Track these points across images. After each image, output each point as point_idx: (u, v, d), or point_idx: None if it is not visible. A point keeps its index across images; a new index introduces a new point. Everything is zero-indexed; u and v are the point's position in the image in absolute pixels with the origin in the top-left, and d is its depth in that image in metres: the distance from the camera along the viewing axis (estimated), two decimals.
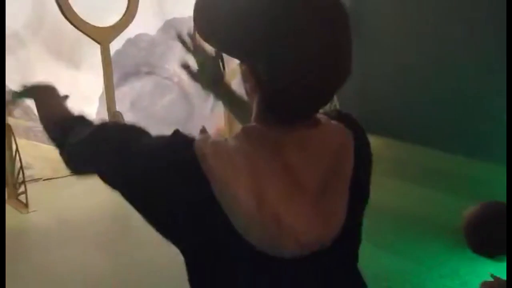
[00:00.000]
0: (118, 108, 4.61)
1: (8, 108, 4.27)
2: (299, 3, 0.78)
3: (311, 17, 0.78)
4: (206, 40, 0.88)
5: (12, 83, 4.75)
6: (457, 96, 4.32)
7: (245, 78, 0.84)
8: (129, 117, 4.82)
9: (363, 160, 0.90)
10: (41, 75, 4.94)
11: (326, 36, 0.78)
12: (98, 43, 4.46)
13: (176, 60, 5.79)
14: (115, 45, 4.92)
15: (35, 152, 4.69)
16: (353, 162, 0.86)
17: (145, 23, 5.36)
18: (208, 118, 5.66)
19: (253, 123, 0.85)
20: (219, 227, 0.78)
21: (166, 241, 0.86)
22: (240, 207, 0.78)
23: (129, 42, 5.41)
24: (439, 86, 4.45)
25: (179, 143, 0.84)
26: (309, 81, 0.79)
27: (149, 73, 5.62)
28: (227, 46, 0.85)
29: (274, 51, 0.77)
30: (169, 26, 5.76)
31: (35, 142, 4.83)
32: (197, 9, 0.87)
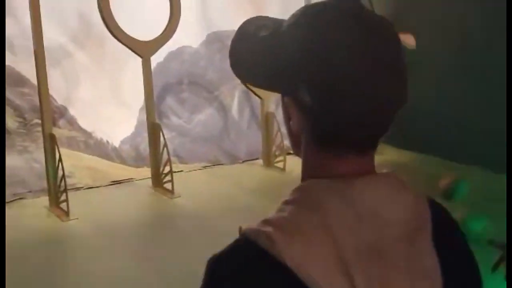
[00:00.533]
0: (157, 120, 4.69)
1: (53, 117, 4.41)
2: (350, 23, 0.75)
3: (364, 37, 0.74)
4: (245, 81, 0.86)
5: (57, 93, 4.91)
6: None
7: (288, 114, 0.79)
8: (167, 131, 4.88)
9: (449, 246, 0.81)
10: (84, 86, 5.08)
11: (380, 57, 0.74)
12: (140, 56, 4.55)
13: (217, 73, 5.85)
14: (157, 58, 5.01)
15: (76, 161, 4.81)
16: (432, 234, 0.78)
17: (188, 36, 5.43)
18: (245, 133, 5.68)
19: (308, 179, 0.79)
20: None
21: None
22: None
23: (171, 55, 5.49)
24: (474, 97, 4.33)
25: (250, 261, 0.74)
26: (365, 104, 0.74)
27: (189, 85, 5.69)
28: (268, 81, 0.82)
29: (323, 75, 0.73)
30: (212, 39, 5.83)
31: (77, 152, 4.95)
32: (233, 53, 0.85)
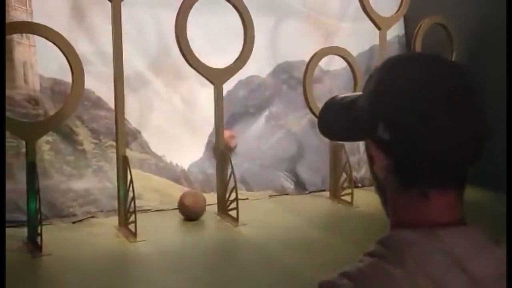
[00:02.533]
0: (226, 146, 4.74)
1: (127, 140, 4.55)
2: (426, 66, 0.79)
3: (439, 78, 0.78)
4: (335, 139, 0.93)
5: (132, 117, 5.09)
6: None
7: (371, 157, 0.82)
8: (234, 157, 4.91)
9: None
10: (158, 111, 5.23)
11: (456, 97, 0.76)
12: (212, 83, 4.64)
13: (284, 103, 5.86)
14: (228, 86, 5.09)
15: (146, 183, 4.92)
16: None
17: (257, 66, 5.50)
18: (311, 164, 5.61)
19: (394, 229, 0.79)
20: None
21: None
22: None
23: (241, 83, 5.58)
24: None
25: None
26: (443, 141, 0.75)
27: (256, 114, 5.73)
28: (351, 130, 0.86)
29: (400, 112, 0.76)
30: (279, 69, 5.87)
31: (147, 174, 5.07)
32: (321, 120, 0.92)
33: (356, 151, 5.66)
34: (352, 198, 4.92)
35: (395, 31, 6.16)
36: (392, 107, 0.76)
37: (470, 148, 0.77)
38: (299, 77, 5.28)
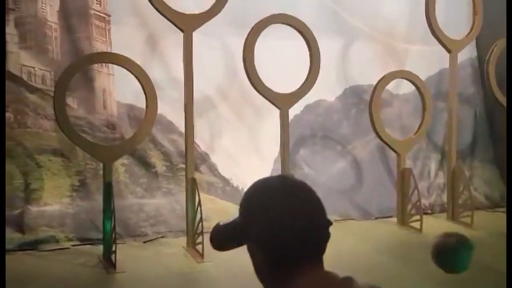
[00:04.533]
0: (291, 170, 4.77)
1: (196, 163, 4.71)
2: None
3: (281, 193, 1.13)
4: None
5: (201, 141, 5.26)
6: None
7: (253, 255, 1.15)
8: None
9: None
10: (226, 135, 5.38)
11: (297, 207, 1.11)
12: (278, 108, 4.72)
13: (352, 127, 5.84)
14: (295, 110, 5.15)
15: (213, 205, 5.06)
16: None
17: (325, 90, 5.53)
18: (378, 189, 5.53)
19: None
20: None
21: None
22: None
23: (308, 108, 5.62)
24: None
25: None
26: (292, 234, 1.07)
27: (323, 138, 5.74)
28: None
29: (266, 226, 1.09)
30: (348, 93, 5.87)
31: (214, 197, 5.21)
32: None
33: (426, 177, 5.52)
34: (421, 224, 4.79)
35: (467, 53, 6.00)
36: (255, 217, 1.08)
37: (318, 233, 1.09)
38: (368, 101, 5.26)
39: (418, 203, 4.91)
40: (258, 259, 1.12)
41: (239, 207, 1.17)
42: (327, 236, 1.12)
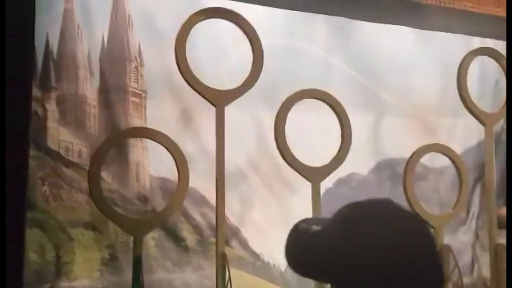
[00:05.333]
0: None
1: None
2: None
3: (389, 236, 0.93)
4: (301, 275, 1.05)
5: (232, 215, 5.23)
6: None
7: None
8: None
9: None
10: (257, 209, 5.34)
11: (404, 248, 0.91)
12: (310, 181, 4.68)
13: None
14: (327, 184, 5.10)
15: (243, 282, 4.93)
16: None
17: (358, 163, 5.49)
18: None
19: None
20: None
21: None
22: None
23: (340, 181, 5.56)
24: None
25: None
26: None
27: None
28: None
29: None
30: (382, 166, 5.80)
31: (244, 273, 5.09)
32: (288, 250, 1.09)
33: (466, 253, 5.28)
34: None
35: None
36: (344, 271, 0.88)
37: None
38: (402, 174, 5.17)
39: (460, 283, 4.65)
40: None
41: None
42: None
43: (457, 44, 5.92)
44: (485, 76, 5.92)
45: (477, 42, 5.95)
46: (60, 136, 4.94)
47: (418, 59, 6.01)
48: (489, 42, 5.87)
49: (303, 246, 1.00)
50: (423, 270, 0.85)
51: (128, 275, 4.35)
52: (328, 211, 5.46)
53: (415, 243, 0.87)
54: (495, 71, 5.76)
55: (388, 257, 0.84)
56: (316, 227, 0.98)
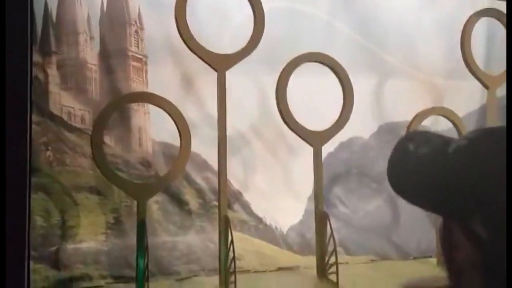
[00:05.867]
0: (325, 209, 4.70)
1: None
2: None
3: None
4: (410, 202, 0.86)
5: (234, 179, 5.27)
6: None
7: (451, 241, 0.75)
8: (333, 220, 4.83)
9: None
10: (259, 173, 5.37)
11: None
12: (311, 145, 4.70)
13: (384, 164, 5.73)
14: (328, 148, 5.11)
15: (246, 245, 5.01)
16: None
17: (360, 127, 5.48)
18: (416, 228, 5.36)
19: None
20: None
21: None
22: None
23: (342, 145, 5.57)
24: None
25: None
26: None
27: (358, 176, 5.66)
28: (435, 204, 0.78)
29: (500, 205, 0.67)
30: (384, 130, 5.79)
31: (247, 236, 5.17)
32: (392, 173, 0.90)
33: None
34: None
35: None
36: (492, 198, 0.69)
37: None
38: None
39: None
40: (466, 256, 0.74)
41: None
42: None
43: (462, 6, 5.81)
44: (492, 38, 5.83)
45: (483, 3, 5.83)
46: (62, 101, 4.94)
47: (423, 21, 5.91)
48: (497, 3, 5.76)
49: (411, 167, 0.83)
50: None
51: (132, 238, 4.43)
52: (328, 175, 5.52)
53: None
54: (501, 33, 5.67)
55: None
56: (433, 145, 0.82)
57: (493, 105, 5.18)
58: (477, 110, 5.82)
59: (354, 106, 4.82)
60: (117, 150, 5.05)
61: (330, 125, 4.77)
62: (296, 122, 4.63)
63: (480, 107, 5.79)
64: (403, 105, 5.63)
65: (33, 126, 4.31)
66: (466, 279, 0.73)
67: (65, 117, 4.92)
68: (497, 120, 5.26)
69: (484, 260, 0.70)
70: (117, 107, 4.71)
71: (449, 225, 0.76)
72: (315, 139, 4.69)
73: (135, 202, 4.40)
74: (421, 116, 4.99)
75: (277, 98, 4.60)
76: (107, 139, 4.90)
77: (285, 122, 4.64)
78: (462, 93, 5.76)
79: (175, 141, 4.70)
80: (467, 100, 5.77)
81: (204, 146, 5.07)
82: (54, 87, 4.93)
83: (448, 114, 5.09)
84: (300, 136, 4.71)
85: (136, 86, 5.12)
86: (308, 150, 4.76)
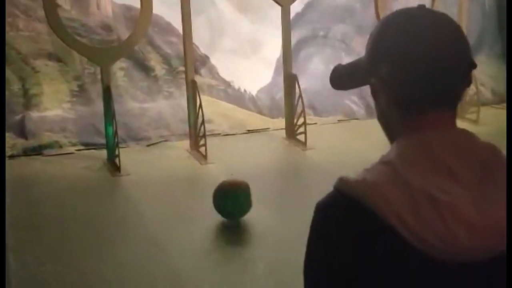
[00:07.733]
0: (293, 71, 4.66)
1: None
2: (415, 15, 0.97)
3: (425, 21, 0.95)
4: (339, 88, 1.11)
5: (201, 43, 5.10)
6: None
7: (378, 96, 0.98)
8: (303, 82, 4.81)
9: None
10: (226, 36, 5.21)
11: (440, 32, 0.94)
12: (280, 5, 4.51)
13: (355, 23, 5.62)
14: (296, 8, 4.94)
15: (216, 108, 5.01)
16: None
17: None
18: None
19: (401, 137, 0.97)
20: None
21: None
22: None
23: (310, 5, 5.38)
24: None
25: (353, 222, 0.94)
26: (428, 68, 0.92)
27: (325, 37, 5.55)
28: (353, 77, 1.05)
29: (400, 61, 0.94)
30: None
31: (216, 100, 5.15)
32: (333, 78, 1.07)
33: None
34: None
35: None
36: (388, 51, 0.94)
37: (458, 74, 0.94)
38: None
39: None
40: (382, 101, 0.96)
41: (366, 45, 1.00)
42: (466, 82, 0.94)
43: None
44: None
45: None
46: None
47: None
48: None
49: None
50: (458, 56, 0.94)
51: (99, 105, 4.36)
52: (297, 36, 5.39)
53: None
54: None
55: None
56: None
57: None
58: None
59: None
60: (74, 14, 4.75)
61: None
62: None
63: None
64: None
65: None
66: (388, 115, 0.99)
67: None
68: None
69: (395, 93, 0.95)
70: None
71: (371, 88, 0.98)
72: None
73: (99, 68, 4.25)
74: None
75: None
76: (61, 2, 4.58)
77: None
78: None
79: (136, 2, 4.44)
80: None
81: (166, 7, 4.82)
82: None
83: None
84: None
85: None
86: (277, 10, 4.58)
